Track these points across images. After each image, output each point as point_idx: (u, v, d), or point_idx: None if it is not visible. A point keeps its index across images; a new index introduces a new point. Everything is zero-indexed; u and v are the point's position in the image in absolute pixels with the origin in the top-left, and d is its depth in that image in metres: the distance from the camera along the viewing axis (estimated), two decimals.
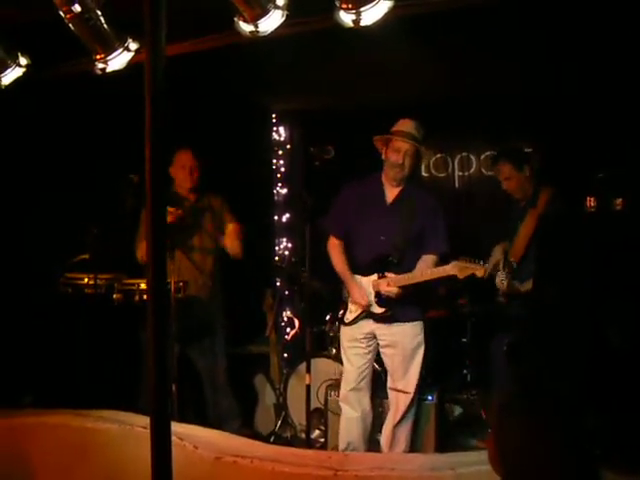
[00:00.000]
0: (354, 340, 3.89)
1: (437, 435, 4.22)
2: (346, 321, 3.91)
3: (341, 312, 3.96)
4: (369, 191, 3.95)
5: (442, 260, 3.77)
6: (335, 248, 3.98)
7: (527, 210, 4.05)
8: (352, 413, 3.90)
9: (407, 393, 3.81)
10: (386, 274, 3.77)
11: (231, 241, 4.36)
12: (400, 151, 3.76)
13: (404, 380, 3.82)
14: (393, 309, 3.78)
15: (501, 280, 3.88)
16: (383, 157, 3.87)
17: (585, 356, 3.04)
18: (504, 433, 1.42)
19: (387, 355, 3.88)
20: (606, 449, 1.41)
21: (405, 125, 3.82)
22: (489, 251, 4.28)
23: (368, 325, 3.86)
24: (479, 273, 3.54)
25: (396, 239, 3.79)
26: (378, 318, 3.83)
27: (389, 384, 3.90)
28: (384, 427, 3.92)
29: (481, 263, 3.55)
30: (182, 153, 4.41)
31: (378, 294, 3.79)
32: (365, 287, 3.84)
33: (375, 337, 3.87)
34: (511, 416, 1.42)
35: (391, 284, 3.72)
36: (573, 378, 2.95)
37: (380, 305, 3.79)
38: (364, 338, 3.87)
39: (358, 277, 3.89)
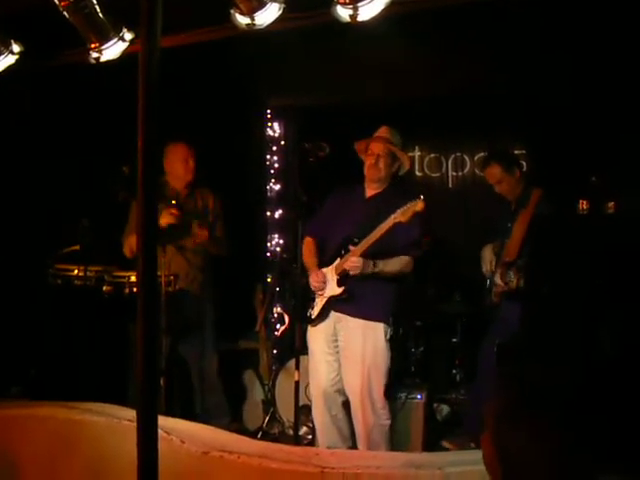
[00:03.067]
0: (322, 346, 3.88)
1: (425, 434, 4.23)
2: (312, 317, 3.90)
3: (309, 311, 3.93)
4: (352, 193, 4.05)
5: (415, 262, 3.83)
6: (306, 244, 4.06)
7: (518, 211, 4.04)
8: (323, 418, 3.89)
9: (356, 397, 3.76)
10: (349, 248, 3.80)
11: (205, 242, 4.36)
12: (373, 153, 3.90)
13: (360, 385, 3.76)
14: (352, 290, 3.77)
15: (510, 279, 3.83)
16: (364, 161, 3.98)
17: (577, 358, 3.04)
18: (505, 437, 1.41)
19: (343, 358, 3.84)
20: (599, 453, 1.40)
21: (381, 131, 3.98)
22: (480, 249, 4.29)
23: (332, 322, 3.85)
24: (419, 207, 3.55)
25: (363, 224, 3.81)
26: (339, 303, 3.81)
27: (347, 390, 3.85)
28: (357, 436, 3.85)
29: (420, 197, 3.57)
30: (177, 146, 4.38)
31: (339, 275, 3.80)
32: (327, 274, 3.87)
33: (338, 339, 3.86)
34: (514, 421, 1.42)
35: (354, 254, 3.73)
36: (567, 379, 2.95)
37: (339, 285, 3.80)
38: (332, 341, 3.86)
39: (325, 269, 3.91)
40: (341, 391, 3.89)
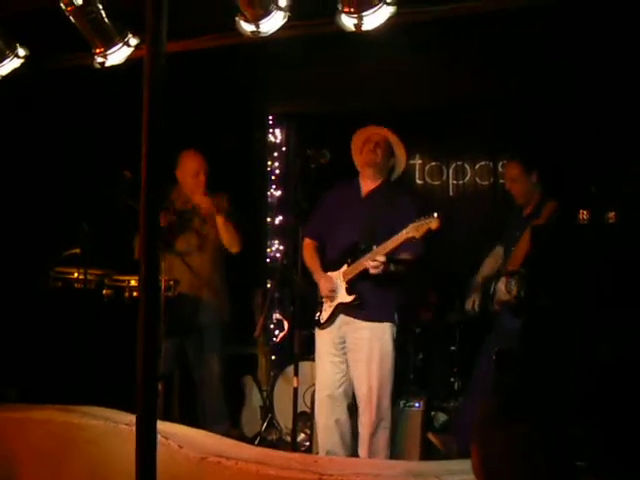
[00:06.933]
0: (329, 347, 3.89)
1: (422, 442, 4.22)
2: (321, 321, 3.90)
3: (317, 314, 3.94)
4: (348, 190, 4.04)
5: (419, 263, 3.79)
6: (307, 247, 4.04)
7: (530, 221, 4.03)
8: (326, 421, 3.88)
9: (372, 400, 3.75)
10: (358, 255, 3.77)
11: (224, 235, 4.35)
12: (372, 140, 3.90)
13: (368, 386, 3.76)
14: (363, 297, 3.77)
15: (510, 289, 3.80)
16: (359, 155, 3.98)
17: (573, 368, 3.04)
18: (486, 444, 1.42)
19: (352, 360, 3.84)
20: (592, 461, 1.40)
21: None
22: (481, 258, 4.30)
23: (341, 327, 3.85)
24: (433, 225, 3.50)
25: (366, 228, 3.81)
26: (349, 310, 3.81)
27: (355, 392, 3.85)
28: (359, 439, 3.85)
29: (434, 215, 3.51)
30: (188, 157, 4.39)
31: (348, 282, 3.79)
32: (336, 280, 3.85)
33: (345, 342, 3.87)
34: (494, 427, 1.42)
35: (374, 257, 3.67)
36: (560, 390, 2.96)
37: (350, 293, 3.79)
38: (339, 344, 3.87)
39: (329, 273, 3.90)
40: (347, 393, 3.88)
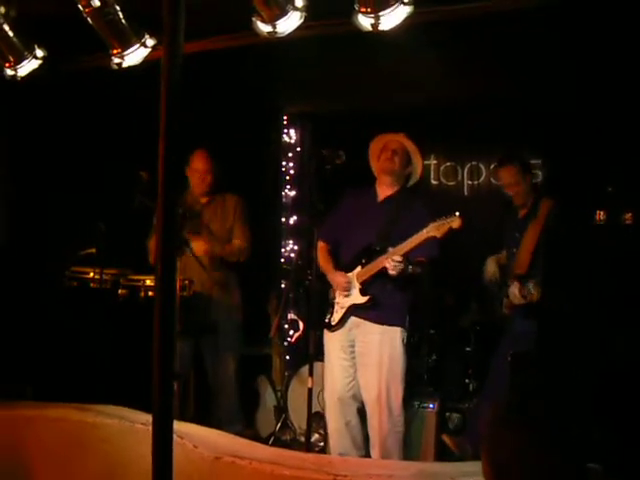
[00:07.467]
0: (338, 351, 3.87)
1: (437, 444, 4.21)
2: (332, 323, 3.88)
3: (327, 317, 3.92)
4: (364, 197, 4.04)
5: (434, 264, 3.77)
6: (321, 250, 4.01)
7: (528, 222, 4.01)
8: (336, 424, 3.87)
9: (381, 405, 3.73)
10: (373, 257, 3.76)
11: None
12: (389, 148, 3.90)
13: (378, 390, 3.74)
14: (376, 299, 3.75)
15: (528, 293, 3.75)
16: (376, 162, 3.98)
17: (591, 369, 3.02)
18: (495, 445, 1.41)
19: (361, 364, 3.82)
20: (609, 464, 1.39)
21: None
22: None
23: (351, 329, 3.83)
24: (455, 224, 3.47)
25: (381, 231, 3.80)
26: (361, 311, 3.78)
27: (363, 396, 3.84)
28: (370, 442, 3.82)
29: (456, 214, 3.48)
30: (197, 156, 4.41)
31: (362, 283, 3.78)
32: (352, 283, 3.83)
33: (355, 345, 3.84)
34: (504, 428, 1.41)
35: (392, 257, 3.63)
36: (577, 392, 2.94)
37: (363, 294, 3.78)
38: (348, 347, 3.85)
39: (345, 274, 3.88)
40: (356, 397, 3.87)
